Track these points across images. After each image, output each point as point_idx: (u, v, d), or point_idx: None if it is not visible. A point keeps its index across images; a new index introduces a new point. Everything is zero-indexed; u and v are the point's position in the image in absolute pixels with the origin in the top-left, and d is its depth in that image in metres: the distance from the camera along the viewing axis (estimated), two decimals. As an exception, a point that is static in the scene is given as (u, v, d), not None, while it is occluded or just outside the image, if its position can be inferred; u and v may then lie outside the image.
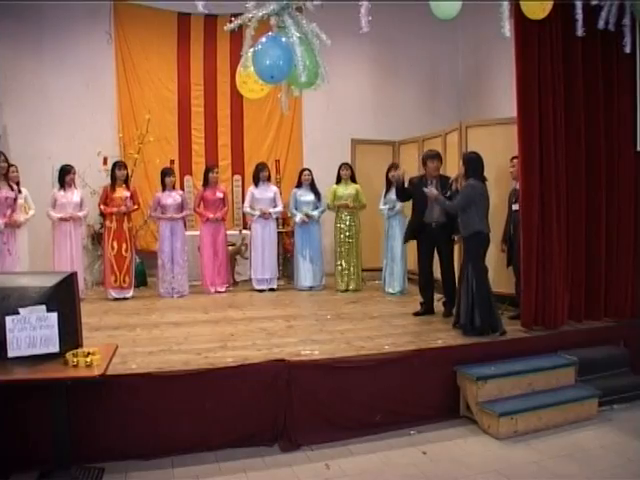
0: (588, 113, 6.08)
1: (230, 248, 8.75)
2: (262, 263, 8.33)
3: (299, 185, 8.57)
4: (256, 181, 8.48)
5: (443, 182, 6.49)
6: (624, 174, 6.30)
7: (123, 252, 7.75)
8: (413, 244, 7.92)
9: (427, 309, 6.70)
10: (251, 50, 5.05)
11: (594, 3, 5.32)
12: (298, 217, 8.40)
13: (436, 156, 6.64)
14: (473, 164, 5.81)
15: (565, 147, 5.92)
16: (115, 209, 7.69)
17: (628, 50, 5.52)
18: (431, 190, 6.14)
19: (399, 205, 7.89)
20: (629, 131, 6.29)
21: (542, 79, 5.75)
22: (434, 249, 6.63)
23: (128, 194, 7.82)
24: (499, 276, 6.57)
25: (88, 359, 3.72)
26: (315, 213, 8.46)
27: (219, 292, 8.24)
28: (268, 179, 8.57)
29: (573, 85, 5.97)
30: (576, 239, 6.07)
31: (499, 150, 6.67)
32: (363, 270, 8.74)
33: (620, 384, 5.55)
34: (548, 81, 5.77)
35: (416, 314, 6.67)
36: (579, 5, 5.19)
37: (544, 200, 5.79)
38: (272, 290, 8.38)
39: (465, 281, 5.69)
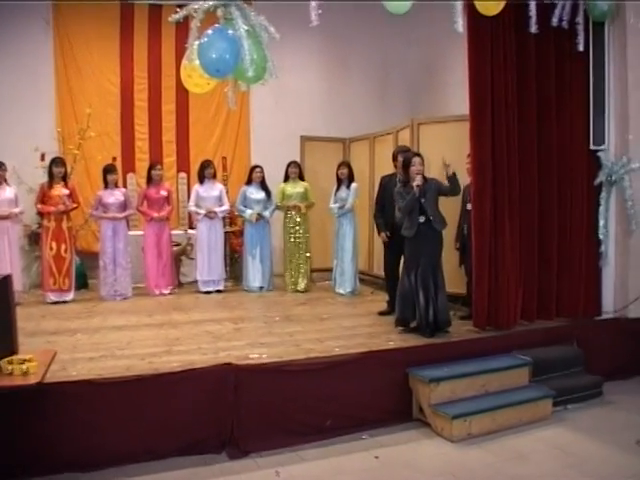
0: (541, 110, 6.18)
1: (175, 248, 8.63)
2: (208, 264, 8.24)
3: (249, 182, 8.51)
4: (201, 179, 8.38)
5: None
6: (577, 172, 6.43)
7: (62, 253, 7.55)
8: (364, 244, 7.96)
9: (392, 308, 6.65)
10: (197, 42, 4.98)
11: (548, 1, 5.41)
12: (248, 213, 8.32)
13: (407, 151, 6.65)
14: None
15: (518, 145, 6.01)
16: (53, 208, 7.48)
17: (581, 48, 5.64)
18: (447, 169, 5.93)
19: (349, 203, 7.90)
20: (582, 129, 6.41)
21: (495, 75, 5.81)
22: (401, 253, 6.62)
23: (67, 192, 7.61)
24: (451, 276, 6.62)
25: (24, 366, 3.61)
26: (267, 213, 8.42)
27: (163, 294, 8.11)
28: (214, 177, 8.50)
29: (526, 82, 6.06)
30: (528, 238, 6.16)
31: (453, 147, 6.72)
32: (313, 270, 8.75)
33: (574, 384, 5.64)
34: (501, 77, 5.84)
35: (381, 314, 6.70)
36: (533, 2, 5.27)
37: (496, 198, 5.86)
38: (219, 292, 8.30)
39: (428, 279, 5.71)
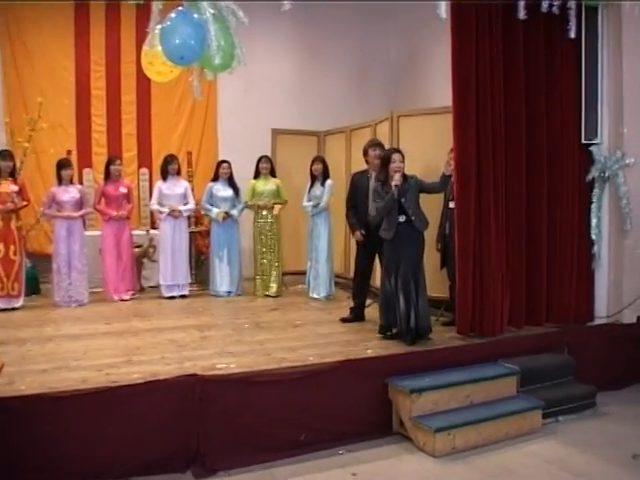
0: (529, 102, 6.25)
1: (136, 250, 8.57)
2: (172, 267, 8.20)
3: (216, 179, 8.51)
4: (164, 175, 8.35)
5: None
6: (568, 168, 6.51)
7: (11, 255, 7.45)
8: (339, 245, 7.97)
9: (357, 315, 6.74)
10: (159, 27, 4.94)
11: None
12: (215, 212, 8.32)
13: (378, 145, 6.69)
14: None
15: (504, 139, 6.06)
16: (0, 206, 7.39)
17: (572, 35, 5.68)
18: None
19: (324, 201, 7.91)
20: (573, 122, 6.49)
21: (480, 65, 5.86)
22: (375, 253, 6.68)
23: (16, 188, 7.52)
24: (432, 279, 6.66)
25: (-33, 380, 3.54)
26: (235, 212, 8.43)
27: (123, 300, 8.05)
28: (178, 173, 8.47)
29: (513, 72, 6.11)
30: (516, 238, 6.21)
31: (434, 142, 6.77)
32: (285, 274, 8.75)
33: (565, 394, 5.68)
34: (486, 67, 5.88)
35: (344, 320, 6.70)
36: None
37: (481, 195, 5.90)
38: (183, 297, 8.26)
39: (409, 283, 5.73)
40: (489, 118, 5.91)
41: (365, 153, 6.74)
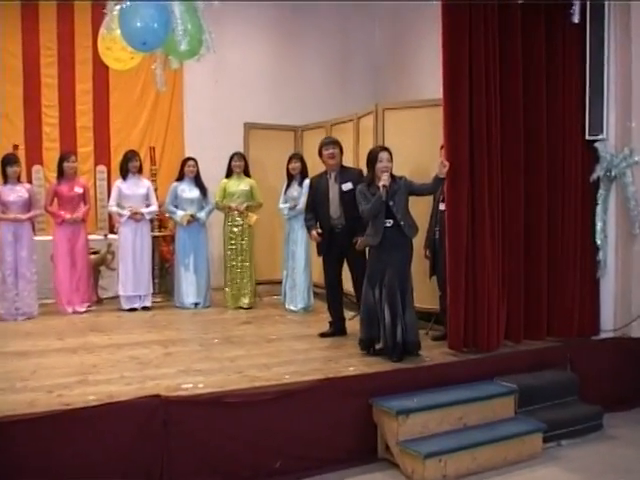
0: (528, 94, 6.28)
1: (92, 257, 8.53)
2: (133, 276, 8.17)
3: (181, 178, 8.51)
4: (124, 173, 8.32)
5: (345, 175, 6.62)
6: (570, 167, 6.54)
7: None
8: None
9: (337, 329, 6.75)
10: (117, 8, 4.93)
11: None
12: (179, 215, 8.32)
13: (331, 143, 6.72)
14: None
15: (501, 134, 6.09)
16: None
17: (576, 20, 5.71)
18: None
19: (302, 203, 7.90)
20: (577, 116, 6.53)
21: (474, 53, 5.87)
22: (342, 258, 6.71)
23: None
24: (421, 289, 6.67)
25: None
26: (202, 215, 8.42)
27: (78, 313, 8.00)
28: (140, 171, 8.44)
29: (511, 60, 6.14)
30: (513, 244, 6.24)
31: (424, 138, 6.79)
32: (258, 283, 8.74)
33: (568, 415, 5.70)
34: (481, 56, 5.90)
35: (323, 335, 6.72)
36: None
37: (474, 197, 5.92)
38: (146, 309, 8.24)
39: (395, 293, 5.73)
40: (483, 111, 5.93)
41: (319, 153, 6.75)
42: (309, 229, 6.89)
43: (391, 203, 5.73)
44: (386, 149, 6.00)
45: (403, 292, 5.76)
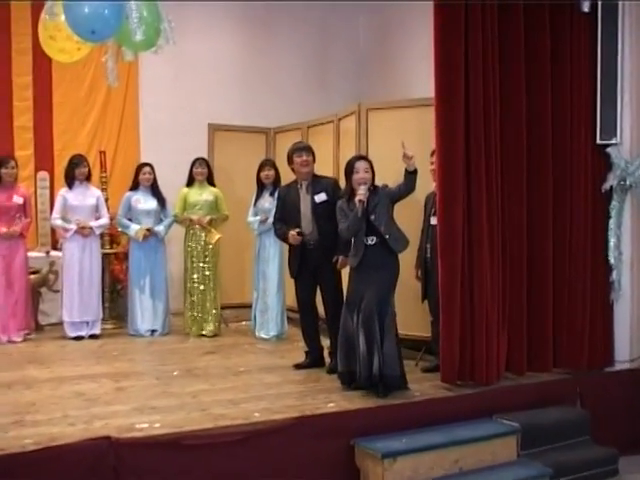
0: (531, 93, 6.31)
1: (32, 277, 8.48)
2: (80, 299, 8.13)
3: (135, 187, 8.50)
4: (70, 181, 8.29)
5: (318, 185, 6.63)
6: (579, 175, 6.56)
7: None
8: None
9: (313, 360, 6.76)
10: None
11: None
12: (133, 229, 8.30)
13: (304, 149, 6.73)
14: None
15: (500, 138, 6.12)
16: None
17: (586, 9, 5.74)
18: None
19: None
20: (586, 117, 6.57)
21: (470, 46, 5.90)
22: (315, 279, 6.71)
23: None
24: (411, 314, 6.69)
25: None
26: (161, 229, 8.41)
27: (14, 342, 7.94)
28: (88, 179, 8.42)
29: (512, 55, 6.18)
30: (515, 263, 6.26)
31: (413, 141, 6.74)
32: (224, 307, 8.75)
33: (578, 459, 5.69)
34: (478, 48, 5.92)
35: (298, 367, 6.72)
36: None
37: (471, 209, 5.94)
38: (94, 337, 8.19)
39: (372, 318, 5.71)
40: (481, 114, 5.95)
41: (290, 160, 6.74)
42: (284, 235, 6.74)
43: (372, 217, 5.75)
44: (363, 158, 6.04)
45: (382, 316, 5.72)
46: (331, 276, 6.55)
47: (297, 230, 6.58)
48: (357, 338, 5.75)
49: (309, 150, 6.73)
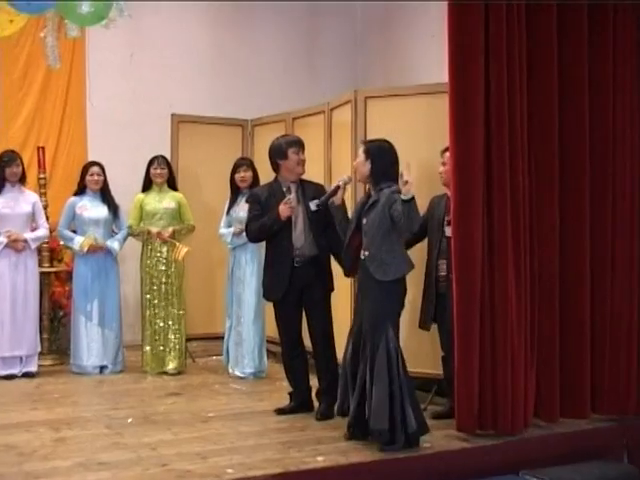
0: (566, 83, 6.29)
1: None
2: (11, 329, 8.09)
3: (81, 191, 8.46)
4: (0, 183, 8.24)
5: (309, 191, 6.63)
6: (623, 182, 6.54)
7: None
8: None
9: (299, 403, 6.73)
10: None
11: None
12: (78, 242, 8.24)
13: (302, 145, 6.72)
14: (386, 158, 5.90)
15: (529, 132, 6.11)
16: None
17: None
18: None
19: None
20: (632, 118, 6.55)
21: (492, 23, 5.87)
22: (301, 303, 6.70)
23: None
24: (418, 346, 6.68)
25: None
26: (114, 245, 8.38)
27: None
28: (22, 180, 8.40)
29: (542, 37, 6.16)
30: (545, 286, 6.24)
31: (421, 137, 6.80)
32: (191, 339, 8.75)
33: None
34: (501, 23, 5.89)
35: (280, 412, 6.70)
36: None
37: (492, 220, 5.92)
38: (29, 376, 8.16)
39: (361, 354, 5.72)
40: (504, 102, 5.93)
41: (280, 155, 6.65)
42: (268, 221, 6.54)
43: (364, 221, 5.78)
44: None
45: (373, 353, 5.68)
46: (322, 300, 6.55)
47: (286, 199, 6.49)
48: (344, 372, 5.82)
49: (302, 146, 6.73)
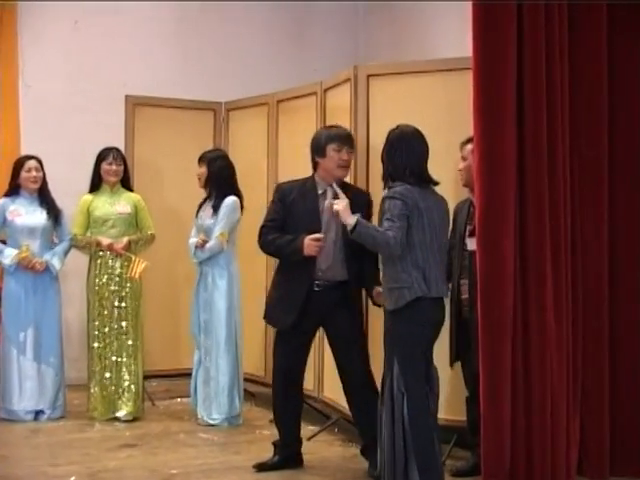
0: (616, 66, 6.30)
1: None
2: None
3: (14, 192, 8.41)
4: None
5: (352, 199, 6.40)
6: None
7: None
8: (255, 320, 7.88)
9: (285, 457, 6.67)
10: None
11: None
12: (9, 255, 8.19)
13: (349, 139, 6.61)
14: (404, 148, 5.80)
15: (570, 125, 6.09)
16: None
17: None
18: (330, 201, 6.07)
19: (217, 237, 7.83)
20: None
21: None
22: (313, 337, 6.69)
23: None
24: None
25: None
26: (54, 260, 8.33)
27: None
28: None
29: (587, 36, 6.17)
30: (591, 314, 6.23)
31: (434, 124, 6.71)
32: (149, 376, 8.74)
33: None
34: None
35: (261, 467, 6.64)
36: None
37: (526, 231, 5.89)
38: (-54, 423, 8.13)
39: (388, 406, 5.66)
40: (542, 86, 5.90)
41: (321, 151, 6.57)
42: (289, 246, 6.44)
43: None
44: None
45: (381, 400, 5.71)
46: (353, 329, 6.48)
47: (317, 235, 6.31)
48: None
49: (353, 143, 6.66)
